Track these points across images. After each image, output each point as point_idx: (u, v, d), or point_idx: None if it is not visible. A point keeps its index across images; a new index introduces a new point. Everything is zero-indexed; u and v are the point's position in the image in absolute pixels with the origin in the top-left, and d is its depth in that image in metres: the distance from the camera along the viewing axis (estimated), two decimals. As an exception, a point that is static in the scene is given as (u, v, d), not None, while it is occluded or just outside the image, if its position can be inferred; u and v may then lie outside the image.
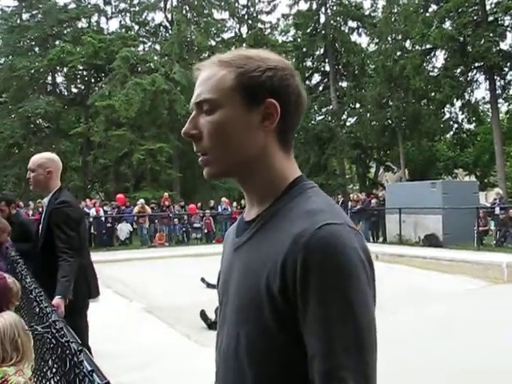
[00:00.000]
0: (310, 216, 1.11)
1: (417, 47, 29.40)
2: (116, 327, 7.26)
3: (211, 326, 7.83)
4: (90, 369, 1.02)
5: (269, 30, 37.42)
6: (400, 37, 30.16)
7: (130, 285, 11.54)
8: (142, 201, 22.34)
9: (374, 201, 21.59)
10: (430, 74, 29.70)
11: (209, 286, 11.29)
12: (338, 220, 1.10)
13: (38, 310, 2.05)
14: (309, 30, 34.99)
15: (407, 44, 30.39)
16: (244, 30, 37.10)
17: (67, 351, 1.26)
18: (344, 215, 1.16)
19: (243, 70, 1.20)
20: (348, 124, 35.93)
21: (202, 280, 11.46)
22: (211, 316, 7.94)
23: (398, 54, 30.02)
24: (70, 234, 4.04)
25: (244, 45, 35.90)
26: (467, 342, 6.69)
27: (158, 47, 34.80)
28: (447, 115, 32.23)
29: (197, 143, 1.24)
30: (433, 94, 30.34)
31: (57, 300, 3.57)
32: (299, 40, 35.89)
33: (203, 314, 7.95)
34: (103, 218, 21.32)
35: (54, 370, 1.48)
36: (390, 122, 32.99)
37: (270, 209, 1.22)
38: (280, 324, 1.09)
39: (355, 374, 1.02)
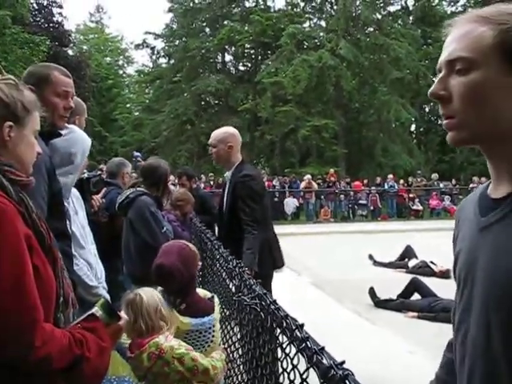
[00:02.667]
0: None
1: None
2: (287, 301, 7.36)
3: (378, 304, 7.74)
4: (319, 347, 1.01)
5: (436, 1, 35.70)
6: None
7: (296, 258, 11.67)
8: (308, 176, 22.52)
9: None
10: None
11: (376, 263, 11.18)
12: None
13: (238, 280, 2.11)
14: (481, -1, 32.90)
15: None
16: (410, 2, 35.73)
17: (284, 325, 1.27)
18: None
19: (506, 27, 1.08)
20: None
21: (370, 257, 11.35)
22: (379, 294, 7.85)
23: None
24: (253, 207, 4.13)
25: (411, 17, 34.69)
26: None
27: (323, 23, 34.61)
28: None
29: (444, 105, 1.15)
30: None
31: (243, 271, 3.69)
32: (470, 9, 33.67)
33: (372, 292, 7.86)
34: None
35: (261, 342, 1.51)
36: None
37: None
38: None
39: None
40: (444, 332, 1.63)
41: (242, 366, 2.09)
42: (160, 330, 2.39)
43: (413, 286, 7.74)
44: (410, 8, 35.19)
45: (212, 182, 23.16)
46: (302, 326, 1.16)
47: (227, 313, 3.03)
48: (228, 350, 2.62)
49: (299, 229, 17.78)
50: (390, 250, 11.15)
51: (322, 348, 1.01)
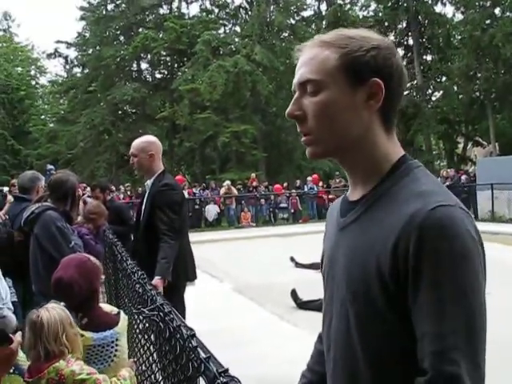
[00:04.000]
0: (422, 197, 1.11)
1: (508, 14, 28.05)
2: (208, 307, 7.36)
3: (301, 305, 7.83)
4: (205, 356, 1.01)
5: (349, 6, 36.56)
6: (488, 4, 28.82)
7: (218, 265, 11.69)
8: (228, 182, 22.51)
9: (463, 177, 20.92)
10: (523, 41, 28.31)
11: (297, 265, 11.29)
12: (451, 202, 1.11)
13: (141, 291, 2.08)
14: (390, 4, 33.88)
15: (497, 11, 29.03)
16: (323, 7, 36.32)
17: (177, 335, 1.26)
18: (454, 197, 1.16)
19: (347, 50, 1.20)
20: (434, 98, 34.72)
21: (291, 259, 11.46)
22: (301, 296, 7.94)
23: (487, 22, 28.75)
24: (172, 217, 4.12)
25: (324, 22, 35.41)
26: None
27: (238, 29, 34.85)
28: (542, 84, 30.59)
29: (301, 124, 1.24)
30: (525, 62, 28.92)
31: (156, 280, 3.65)
32: (380, 14, 34.66)
33: (294, 294, 7.93)
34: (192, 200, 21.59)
35: (163, 353, 1.49)
36: (478, 94, 31.73)
37: (377, 189, 1.22)
38: (389, 303, 1.10)
39: (465, 357, 1.02)
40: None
41: (150, 378, 2.05)
42: (62, 354, 2.27)
43: None
44: (323, 13, 35.86)
45: (130, 193, 22.80)
46: (193, 335, 1.16)
47: (146, 325, 2.98)
48: (137, 362, 2.57)
49: (221, 235, 17.76)
50: (313, 252, 11.24)
51: (209, 357, 1.01)
